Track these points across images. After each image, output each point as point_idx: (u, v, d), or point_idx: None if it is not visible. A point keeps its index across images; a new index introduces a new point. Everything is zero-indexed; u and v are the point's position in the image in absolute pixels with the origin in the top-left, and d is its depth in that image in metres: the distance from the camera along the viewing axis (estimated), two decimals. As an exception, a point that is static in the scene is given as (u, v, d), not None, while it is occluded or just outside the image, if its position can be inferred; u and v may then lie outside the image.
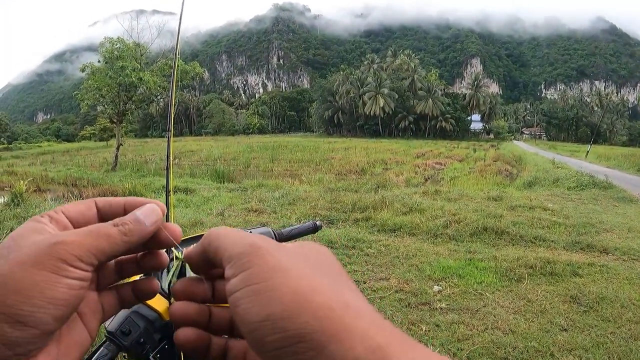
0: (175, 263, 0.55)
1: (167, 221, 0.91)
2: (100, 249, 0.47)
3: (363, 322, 0.38)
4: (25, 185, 11.51)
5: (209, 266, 0.50)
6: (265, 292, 0.39)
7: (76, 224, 0.51)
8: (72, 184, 22.44)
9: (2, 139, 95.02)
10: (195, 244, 0.52)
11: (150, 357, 1.15)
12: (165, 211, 0.56)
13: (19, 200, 10.76)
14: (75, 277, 0.44)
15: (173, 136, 0.97)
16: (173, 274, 0.55)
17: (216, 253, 0.47)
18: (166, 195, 0.95)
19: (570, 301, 5.39)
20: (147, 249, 0.54)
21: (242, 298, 0.41)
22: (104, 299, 0.53)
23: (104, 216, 0.53)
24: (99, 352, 1.09)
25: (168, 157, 0.96)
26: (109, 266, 0.54)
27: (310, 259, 0.45)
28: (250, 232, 1.26)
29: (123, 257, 0.54)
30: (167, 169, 0.97)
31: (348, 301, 0.40)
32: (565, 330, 4.69)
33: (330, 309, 0.38)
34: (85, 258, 0.46)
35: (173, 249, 0.54)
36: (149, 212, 0.52)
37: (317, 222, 1.65)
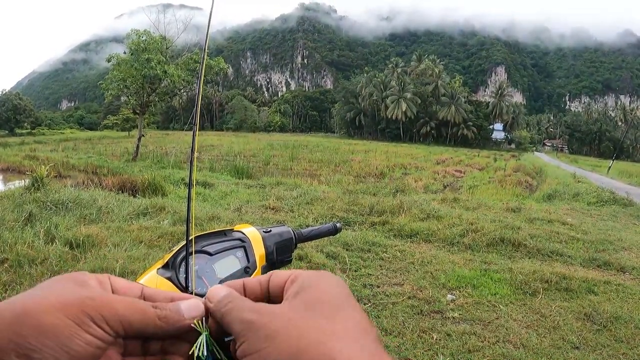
0: (200, 338, 0.54)
1: (188, 214, 0.92)
2: (129, 321, 0.47)
3: None
4: (47, 171, 11.61)
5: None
6: None
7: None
8: (93, 172, 22.79)
9: (25, 124, 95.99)
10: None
11: None
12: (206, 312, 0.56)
13: (39, 185, 10.86)
14: (95, 336, 0.44)
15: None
16: (197, 347, 0.54)
17: (228, 327, 0.50)
18: (189, 188, 0.96)
19: (584, 319, 5.35)
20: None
21: None
22: None
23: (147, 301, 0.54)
24: None
25: (192, 151, 0.97)
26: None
27: (300, 316, 0.47)
28: (270, 230, 1.28)
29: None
30: (191, 162, 0.98)
31: (336, 356, 0.42)
32: (577, 348, 4.66)
33: None
34: (112, 322, 0.46)
35: (197, 322, 0.53)
36: (192, 307, 0.53)
37: (338, 224, 1.64)
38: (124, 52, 28.19)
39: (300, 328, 0.45)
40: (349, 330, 0.45)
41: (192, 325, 0.53)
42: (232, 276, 1.10)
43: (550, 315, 5.43)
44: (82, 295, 0.46)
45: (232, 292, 0.54)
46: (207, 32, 1.04)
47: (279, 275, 0.55)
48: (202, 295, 0.63)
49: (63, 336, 0.43)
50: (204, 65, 1.09)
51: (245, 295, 0.55)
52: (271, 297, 0.54)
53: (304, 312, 0.47)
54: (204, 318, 0.54)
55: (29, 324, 0.42)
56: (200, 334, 0.53)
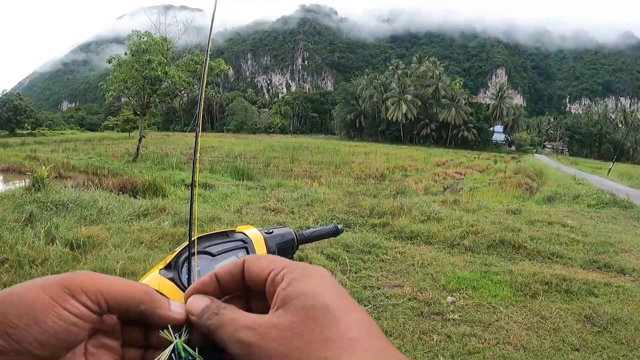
0: (168, 347, 0.50)
1: (191, 214, 0.92)
2: (112, 294, 0.46)
3: None
4: (47, 171, 11.61)
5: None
6: None
7: None
8: (93, 173, 22.80)
9: (26, 125, 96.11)
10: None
11: None
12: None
13: (39, 186, 10.87)
14: (72, 311, 0.44)
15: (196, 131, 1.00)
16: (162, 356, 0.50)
17: (222, 345, 0.47)
18: (191, 188, 0.96)
19: (584, 321, 5.35)
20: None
21: None
22: None
23: None
24: None
25: (195, 151, 0.98)
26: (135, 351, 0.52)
27: (301, 329, 0.44)
28: (272, 232, 1.29)
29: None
30: (194, 163, 0.99)
31: None
32: (578, 350, 4.65)
33: None
34: (91, 294, 0.45)
35: (165, 331, 0.50)
36: (178, 304, 0.51)
37: (339, 226, 1.64)
38: (125, 53, 28.16)
39: (304, 347, 0.42)
40: (353, 335, 0.43)
41: (161, 334, 0.50)
42: None
43: (550, 317, 5.43)
44: (66, 274, 0.45)
45: (212, 301, 0.51)
46: (210, 34, 1.05)
47: (255, 265, 0.52)
48: None
49: (38, 312, 0.42)
50: (207, 67, 1.09)
51: (221, 290, 0.53)
52: (248, 286, 0.52)
53: (303, 325, 0.44)
54: (185, 326, 0.51)
55: (11, 303, 0.42)
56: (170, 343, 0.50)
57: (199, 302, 0.51)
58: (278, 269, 0.50)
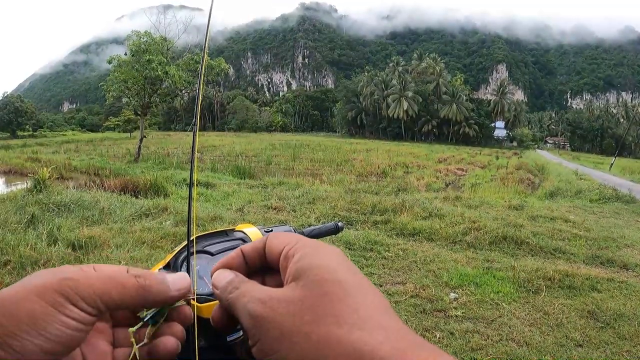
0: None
1: (189, 214, 0.92)
2: (108, 295, 0.46)
3: None
4: (49, 173, 11.61)
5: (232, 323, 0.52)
6: None
7: None
8: (95, 173, 22.70)
9: (27, 127, 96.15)
10: (217, 305, 0.53)
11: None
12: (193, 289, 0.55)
13: (41, 187, 10.88)
14: (73, 317, 0.43)
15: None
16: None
17: (238, 318, 0.48)
18: (189, 187, 0.96)
19: (587, 316, 5.33)
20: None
21: None
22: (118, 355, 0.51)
23: None
24: None
25: (193, 150, 0.97)
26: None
27: (312, 303, 0.43)
28: (272, 230, 1.28)
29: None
30: (192, 162, 0.98)
31: (361, 348, 0.39)
32: (581, 345, 4.65)
33: None
34: (89, 300, 0.44)
35: (145, 312, 0.52)
36: (178, 278, 0.52)
37: (340, 224, 1.63)
38: (125, 54, 28.18)
39: (315, 322, 0.42)
40: (366, 312, 0.42)
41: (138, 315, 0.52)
42: None
43: (553, 313, 5.42)
44: (59, 276, 0.45)
45: (236, 276, 0.52)
46: (207, 32, 1.04)
47: (274, 242, 0.53)
48: (205, 295, 0.63)
49: (40, 320, 0.42)
50: (204, 66, 1.09)
51: (247, 265, 0.54)
52: (268, 262, 0.53)
53: (315, 299, 0.43)
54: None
55: (7, 314, 0.41)
56: (140, 320, 0.52)
57: (223, 276, 0.52)
58: (292, 243, 0.50)
